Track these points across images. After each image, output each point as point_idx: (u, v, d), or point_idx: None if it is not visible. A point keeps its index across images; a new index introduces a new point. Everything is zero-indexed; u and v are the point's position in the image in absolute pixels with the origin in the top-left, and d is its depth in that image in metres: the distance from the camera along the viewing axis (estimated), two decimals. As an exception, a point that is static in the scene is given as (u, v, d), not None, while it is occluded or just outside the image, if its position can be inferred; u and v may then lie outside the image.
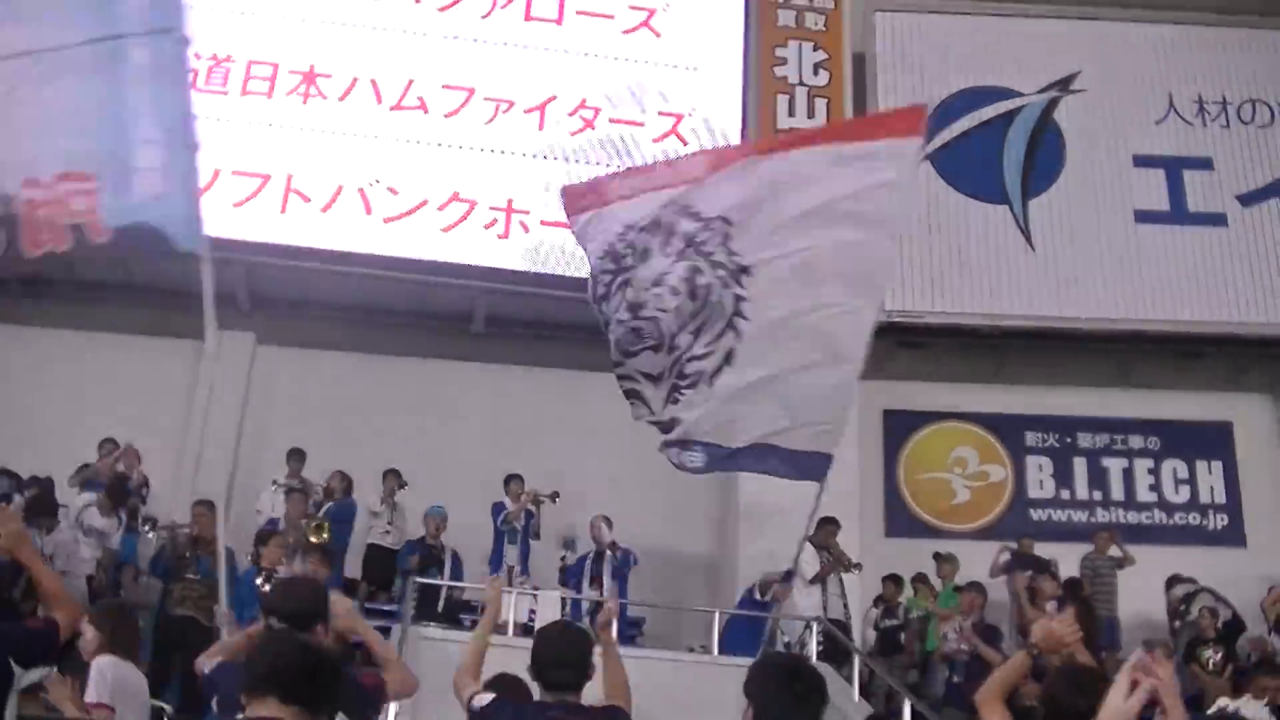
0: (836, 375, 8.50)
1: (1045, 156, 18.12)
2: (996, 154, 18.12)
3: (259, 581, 10.40)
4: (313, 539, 12.38)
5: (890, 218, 8.26)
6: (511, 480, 14.62)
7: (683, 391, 8.73)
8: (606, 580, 13.88)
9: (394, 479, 14.86)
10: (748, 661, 5.64)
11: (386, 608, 13.75)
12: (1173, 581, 15.25)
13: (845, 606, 14.16)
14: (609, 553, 14.07)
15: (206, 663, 5.82)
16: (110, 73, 7.55)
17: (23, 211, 7.48)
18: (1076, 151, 18.11)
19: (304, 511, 13.57)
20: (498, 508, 14.53)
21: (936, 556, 15.08)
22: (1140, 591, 15.48)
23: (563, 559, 14.48)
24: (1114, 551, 15.45)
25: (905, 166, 8.29)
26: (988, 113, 18.32)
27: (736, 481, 15.51)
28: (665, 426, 8.92)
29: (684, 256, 8.51)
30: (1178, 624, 14.92)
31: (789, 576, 12.60)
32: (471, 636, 6.25)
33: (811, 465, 8.87)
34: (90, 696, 6.04)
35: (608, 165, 16.27)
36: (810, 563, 14.02)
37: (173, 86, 7.68)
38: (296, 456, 14.74)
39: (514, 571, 14.01)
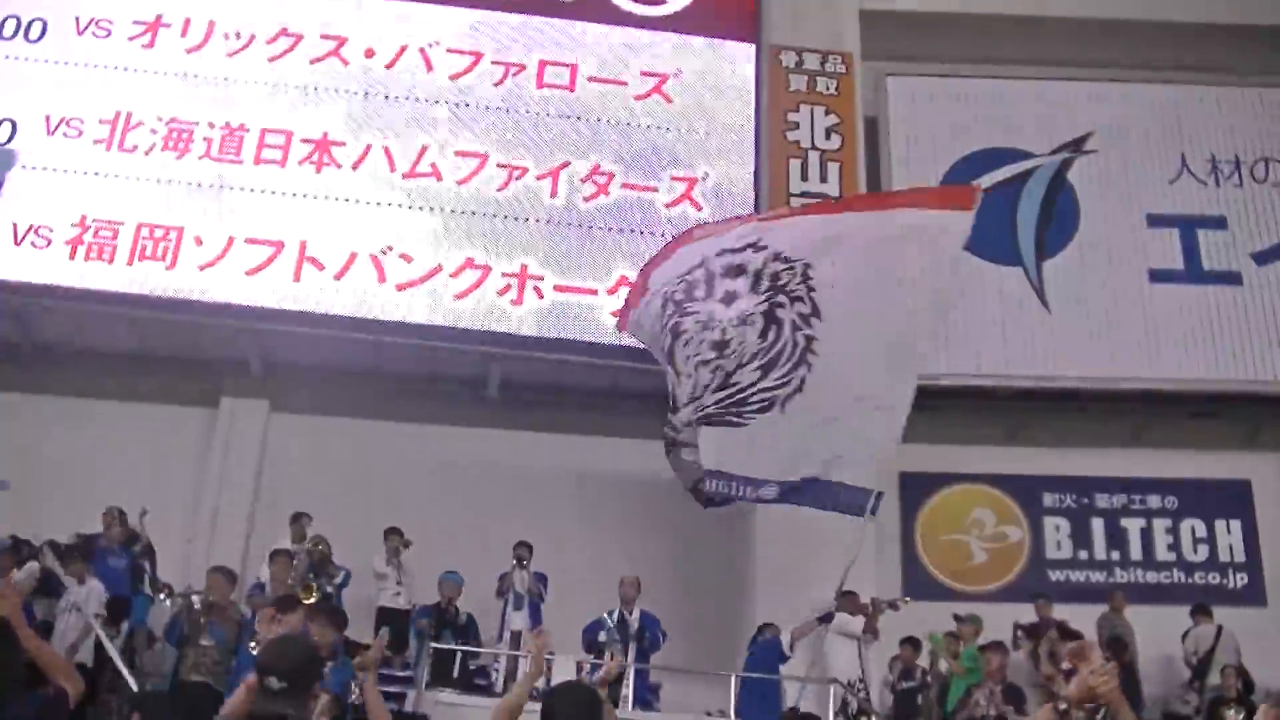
0: (883, 420, 9.29)
1: (1059, 217, 18.16)
2: (1010, 215, 18.14)
3: (252, 646, 10.27)
4: (303, 599, 12.32)
5: (939, 290, 9.22)
6: (519, 547, 14.55)
7: (749, 416, 9.23)
8: (632, 649, 13.61)
9: (397, 537, 14.82)
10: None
11: (400, 674, 13.61)
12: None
13: (862, 669, 14.04)
14: (632, 617, 13.82)
15: None
16: None
17: None
18: (1090, 212, 18.15)
19: (289, 574, 13.46)
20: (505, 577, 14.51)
21: (957, 618, 14.92)
22: (1160, 650, 15.41)
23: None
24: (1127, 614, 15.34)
25: (954, 241, 9.04)
26: (1001, 174, 18.35)
27: (753, 543, 15.46)
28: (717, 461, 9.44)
29: (770, 295, 9.03)
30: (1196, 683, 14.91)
31: (828, 619, 12.41)
32: (506, 696, 6.07)
33: (852, 499, 9.93)
34: None
35: (620, 231, 16.38)
36: (851, 624, 13.88)
37: None
38: (299, 520, 14.66)
39: (520, 637, 13.85)
